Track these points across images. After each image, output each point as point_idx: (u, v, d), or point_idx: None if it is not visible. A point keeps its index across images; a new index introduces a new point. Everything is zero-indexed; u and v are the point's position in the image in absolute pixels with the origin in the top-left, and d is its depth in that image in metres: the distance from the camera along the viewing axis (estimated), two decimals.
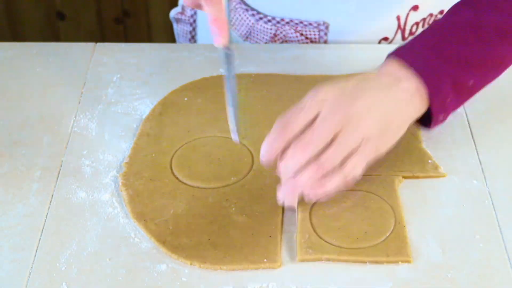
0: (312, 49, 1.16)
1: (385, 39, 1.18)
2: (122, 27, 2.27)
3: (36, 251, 0.84)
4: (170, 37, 2.27)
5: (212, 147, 0.97)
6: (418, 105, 0.85)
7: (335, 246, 0.84)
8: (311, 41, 1.18)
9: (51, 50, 1.16)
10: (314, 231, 0.85)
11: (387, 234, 0.85)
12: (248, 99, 1.05)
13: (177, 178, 0.92)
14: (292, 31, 1.17)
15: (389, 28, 1.18)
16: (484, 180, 0.93)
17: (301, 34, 1.17)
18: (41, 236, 0.86)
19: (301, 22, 1.17)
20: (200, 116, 1.02)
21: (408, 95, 0.84)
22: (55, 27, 2.25)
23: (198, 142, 0.98)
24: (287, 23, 1.18)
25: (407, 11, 1.16)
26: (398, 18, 1.17)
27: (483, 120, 1.02)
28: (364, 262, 0.83)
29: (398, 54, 0.88)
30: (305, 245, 0.84)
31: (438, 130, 1.00)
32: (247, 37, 1.21)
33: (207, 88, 1.07)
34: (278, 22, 1.18)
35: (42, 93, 1.07)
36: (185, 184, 0.92)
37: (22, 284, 0.81)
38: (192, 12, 1.29)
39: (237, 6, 1.19)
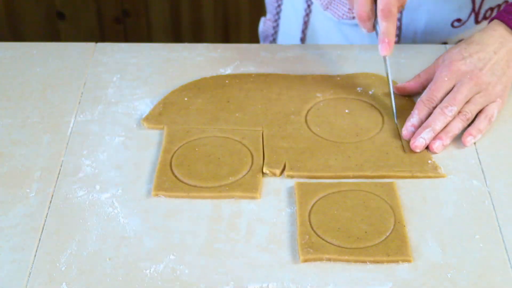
0: (312, 49, 1.16)
1: (458, 20, 1.19)
2: (122, 27, 2.27)
3: (36, 251, 0.84)
4: (170, 37, 2.27)
5: (211, 146, 0.97)
6: None
7: (335, 246, 0.84)
8: None
9: (51, 50, 1.16)
10: (314, 231, 0.85)
11: (387, 234, 0.85)
12: (248, 99, 1.05)
13: (176, 177, 0.93)
14: None
15: (463, 9, 1.18)
16: (484, 180, 0.93)
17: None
18: (41, 236, 0.86)
19: None
20: (200, 116, 1.02)
21: None
22: (55, 27, 2.25)
23: (197, 141, 0.98)
24: None
25: None
26: (472, 0, 1.18)
27: None
28: (364, 261, 0.83)
29: (503, 19, 1.04)
30: (305, 245, 0.84)
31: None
32: (327, 7, 1.22)
33: (207, 88, 1.07)
34: None
35: (42, 93, 1.07)
36: (184, 183, 0.92)
37: (22, 284, 0.81)
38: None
39: None
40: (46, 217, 0.88)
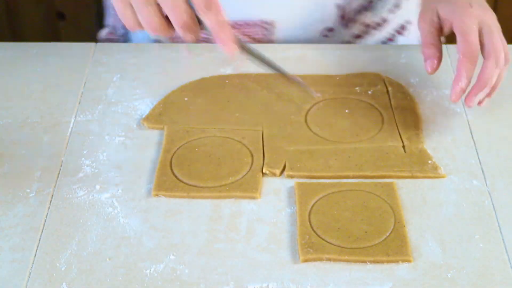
0: (312, 49, 1.16)
1: (330, 30, 1.20)
2: None
3: (36, 251, 0.84)
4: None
5: (211, 146, 0.97)
6: None
7: (335, 246, 0.84)
8: (258, 42, 1.18)
9: (51, 50, 1.16)
10: (314, 231, 0.85)
11: (387, 234, 0.85)
12: (248, 99, 1.05)
13: (176, 177, 0.93)
14: (238, 33, 1.16)
15: (331, 17, 1.19)
16: (484, 180, 0.93)
17: (247, 36, 1.17)
18: (41, 236, 0.86)
19: (247, 24, 1.17)
20: (200, 116, 1.02)
21: None
22: (55, 27, 2.25)
23: (197, 141, 0.98)
24: (232, 26, 1.17)
25: None
26: (337, 6, 1.17)
27: (483, 120, 1.02)
28: (364, 261, 0.83)
29: None
30: (305, 245, 0.84)
31: (438, 131, 1.00)
32: None
33: (207, 88, 1.07)
34: None
35: (42, 93, 1.07)
36: (184, 183, 0.92)
37: (22, 284, 0.81)
38: (123, 31, 1.28)
39: None
40: (46, 217, 0.88)
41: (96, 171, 0.94)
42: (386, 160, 0.95)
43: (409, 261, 0.83)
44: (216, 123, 1.01)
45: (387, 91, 1.06)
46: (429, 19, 1.00)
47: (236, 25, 1.16)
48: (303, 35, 1.19)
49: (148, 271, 0.82)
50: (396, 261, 0.83)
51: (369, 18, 1.21)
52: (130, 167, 0.95)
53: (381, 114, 1.02)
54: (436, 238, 0.85)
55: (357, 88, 1.06)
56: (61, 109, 1.04)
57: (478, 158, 0.96)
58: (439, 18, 1.00)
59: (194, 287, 0.80)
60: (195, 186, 0.92)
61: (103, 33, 1.31)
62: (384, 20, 1.23)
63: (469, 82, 0.94)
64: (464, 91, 0.94)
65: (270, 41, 1.18)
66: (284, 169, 0.94)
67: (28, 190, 0.92)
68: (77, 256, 0.84)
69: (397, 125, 1.00)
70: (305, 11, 1.16)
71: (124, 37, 1.28)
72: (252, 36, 1.17)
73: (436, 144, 0.98)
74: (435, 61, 0.99)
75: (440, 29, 1.00)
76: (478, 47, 0.95)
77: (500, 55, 0.94)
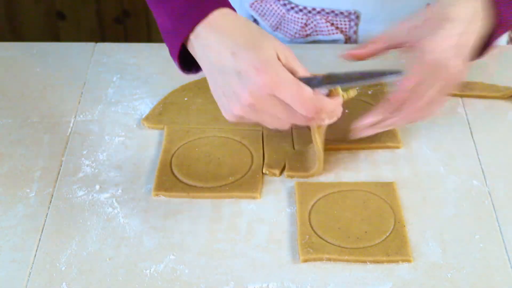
0: (312, 49, 1.16)
1: None
2: (122, 27, 2.27)
3: (36, 251, 0.84)
4: None
5: (211, 146, 0.97)
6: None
7: (335, 246, 0.84)
8: (341, 32, 1.18)
9: (51, 50, 1.16)
10: (314, 231, 0.85)
11: (387, 234, 0.85)
12: None
13: (175, 176, 0.93)
14: (323, 21, 1.18)
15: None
16: (484, 180, 0.93)
17: (331, 24, 1.17)
18: (41, 236, 0.86)
19: (332, 11, 1.17)
20: (200, 116, 1.02)
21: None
22: (55, 27, 2.25)
23: (197, 141, 0.98)
24: (318, 12, 1.17)
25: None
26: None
27: (483, 120, 1.02)
28: (364, 261, 0.83)
29: None
30: (305, 245, 0.84)
31: (438, 131, 1.00)
32: (276, 28, 1.21)
33: (207, 88, 1.06)
34: (309, 12, 1.18)
35: (42, 93, 1.07)
36: (184, 183, 0.92)
37: (22, 284, 0.81)
38: None
39: None
40: (46, 217, 0.88)
41: (96, 171, 0.94)
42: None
43: (409, 261, 0.83)
44: (216, 123, 1.01)
45: (387, 91, 1.06)
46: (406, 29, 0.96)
47: (322, 12, 1.17)
48: None
49: (148, 271, 0.82)
50: (396, 261, 0.83)
51: None
52: (130, 167, 0.95)
53: None
54: (436, 238, 0.85)
55: (358, 89, 1.06)
56: (61, 109, 1.04)
57: (478, 158, 0.96)
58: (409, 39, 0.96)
59: (194, 287, 0.80)
60: (195, 186, 0.92)
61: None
62: None
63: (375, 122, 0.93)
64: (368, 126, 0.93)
65: (352, 34, 1.19)
66: (284, 169, 0.94)
67: (28, 190, 0.92)
68: (77, 256, 0.84)
69: None
70: (392, 6, 1.16)
71: None
72: (336, 25, 1.18)
73: (436, 144, 0.98)
74: (356, 52, 0.98)
75: (398, 45, 0.97)
76: (405, 97, 0.91)
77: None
